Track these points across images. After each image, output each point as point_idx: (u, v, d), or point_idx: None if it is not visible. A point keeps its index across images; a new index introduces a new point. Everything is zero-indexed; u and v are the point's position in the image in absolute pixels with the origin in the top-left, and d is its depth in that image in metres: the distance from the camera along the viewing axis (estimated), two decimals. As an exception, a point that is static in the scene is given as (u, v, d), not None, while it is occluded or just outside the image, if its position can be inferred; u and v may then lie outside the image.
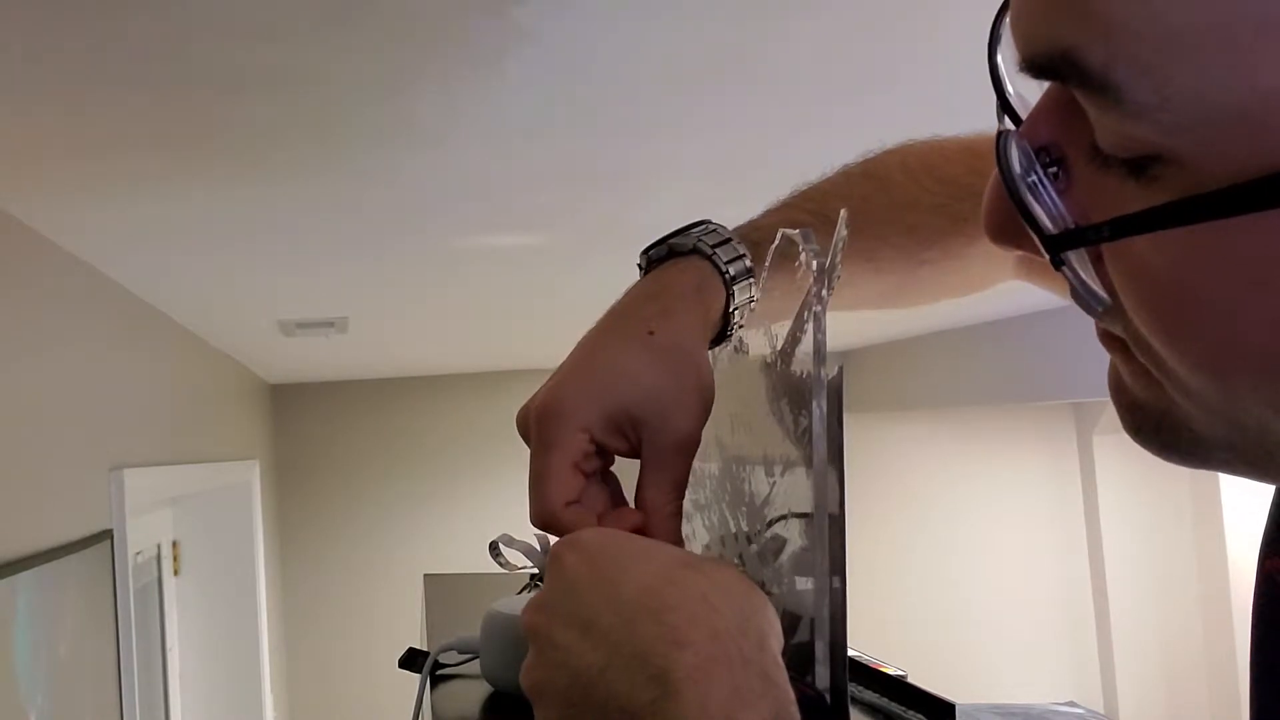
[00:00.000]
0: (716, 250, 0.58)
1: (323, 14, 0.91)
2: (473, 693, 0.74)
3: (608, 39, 1.02)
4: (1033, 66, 0.32)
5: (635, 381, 0.53)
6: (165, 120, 1.15)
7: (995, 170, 0.34)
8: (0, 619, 1.29)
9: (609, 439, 0.53)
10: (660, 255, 0.59)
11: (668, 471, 0.53)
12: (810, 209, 0.63)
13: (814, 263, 0.51)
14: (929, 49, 1.11)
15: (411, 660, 0.78)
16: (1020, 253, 0.36)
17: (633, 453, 0.54)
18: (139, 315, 2.21)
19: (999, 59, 0.35)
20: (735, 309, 0.58)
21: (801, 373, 0.50)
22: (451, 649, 0.77)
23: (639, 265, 0.61)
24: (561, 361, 0.56)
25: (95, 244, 1.70)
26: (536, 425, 0.53)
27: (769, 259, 0.58)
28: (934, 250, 0.64)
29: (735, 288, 0.58)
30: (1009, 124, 0.35)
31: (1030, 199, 0.33)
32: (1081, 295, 0.33)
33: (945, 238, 0.63)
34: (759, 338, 0.57)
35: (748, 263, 0.58)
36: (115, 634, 1.78)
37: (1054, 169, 0.33)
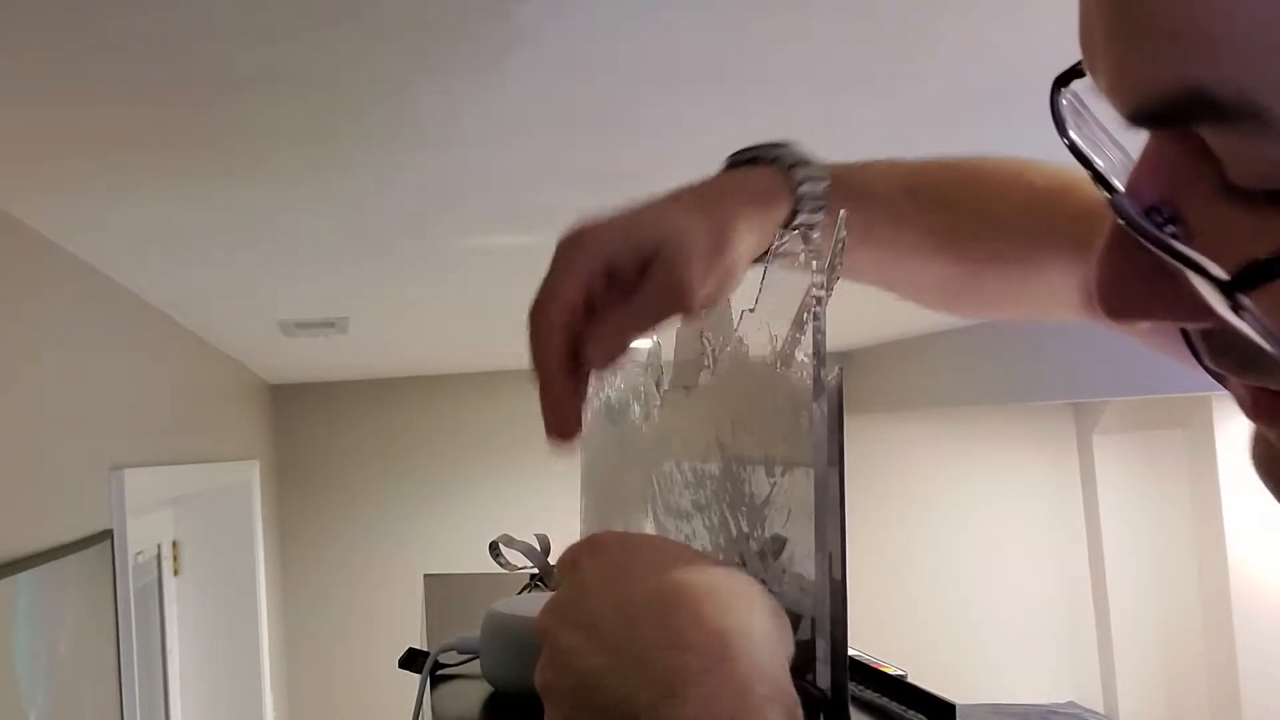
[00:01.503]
0: (795, 168, 0.58)
1: (323, 14, 0.91)
2: (473, 693, 0.74)
3: (608, 39, 1.02)
4: (1149, 118, 0.29)
5: (665, 221, 0.53)
6: (166, 121, 1.15)
7: (1104, 240, 0.32)
8: (0, 619, 1.29)
9: (622, 265, 0.52)
10: (741, 160, 0.60)
11: (643, 309, 0.52)
12: (903, 179, 0.62)
13: (814, 263, 0.51)
14: (937, 49, 1.11)
15: (412, 660, 0.79)
16: (1148, 324, 0.33)
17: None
18: (140, 315, 2.21)
19: (1072, 135, 0.33)
20: (797, 226, 0.58)
21: (801, 374, 0.50)
22: (452, 649, 0.77)
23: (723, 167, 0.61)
24: None
25: (96, 244, 1.70)
26: (557, 250, 0.53)
27: (768, 260, 0.59)
28: (1013, 250, 0.62)
29: (803, 198, 0.57)
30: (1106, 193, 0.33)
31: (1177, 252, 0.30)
32: (1273, 342, 0.30)
33: (1027, 241, 0.62)
34: (759, 338, 0.57)
35: (822, 187, 0.58)
36: (115, 634, 1.78)
37: (1170, 227, 0.30)
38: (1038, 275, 0.63)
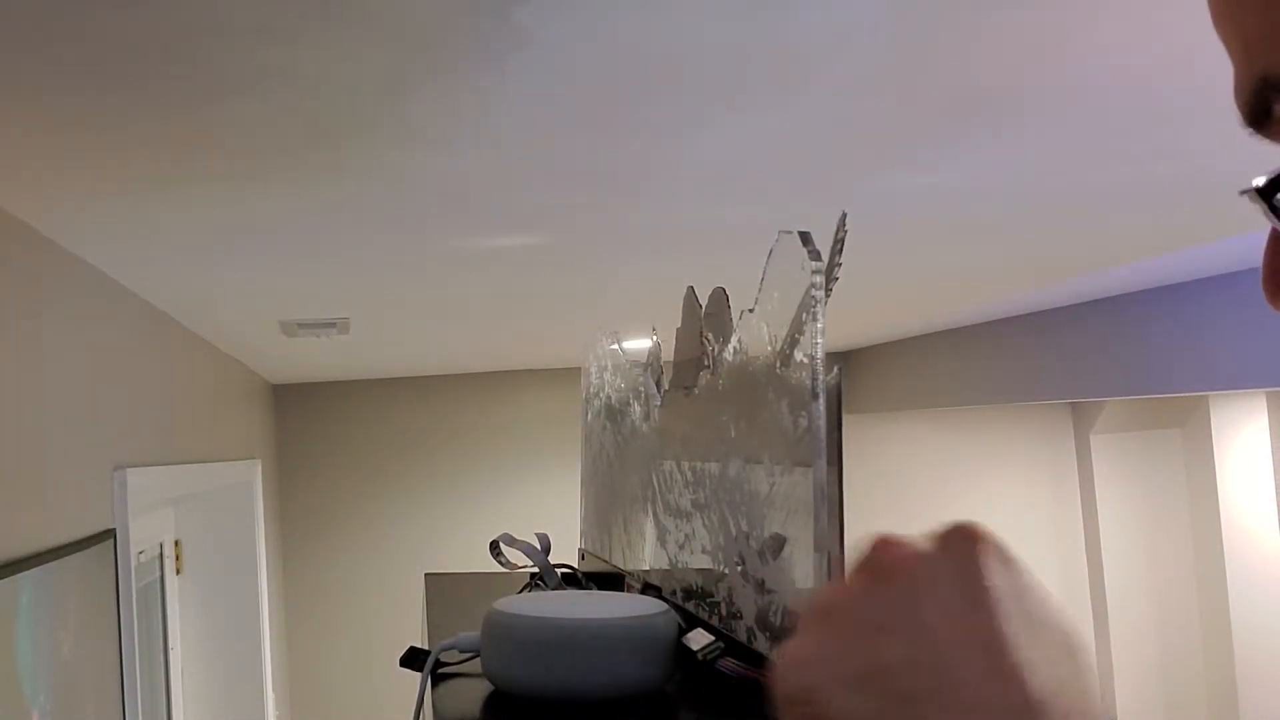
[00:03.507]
0: None
1: (323, 15, 0.91)
2: (473, 691, 0.74)
3: (608, 40, 1.02)
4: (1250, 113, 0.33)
5: None
6: (167, 123, 1.16)
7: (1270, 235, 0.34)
8: (3, 618, 1.29)
9: None
10: None
11: None
12: None
13: (812, 264, 0.52)
14: (936, 49, 1.11)
15: (413, 659, 0.79)
16: None
17: None
18: (142, 316, 2.21)
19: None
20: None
21: (800, 374, 0.51)
22: (452, 648, 0.77)
23: None
24: None
25: (99, 245, 1.70)
26: None
27: (768, 260, 0.59)
28: None
29: None
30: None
31: None
32: None
33: None
34: (759, 338, 0.58)
35: None
36: (117, 633, 1.79)
37: None
38: None
